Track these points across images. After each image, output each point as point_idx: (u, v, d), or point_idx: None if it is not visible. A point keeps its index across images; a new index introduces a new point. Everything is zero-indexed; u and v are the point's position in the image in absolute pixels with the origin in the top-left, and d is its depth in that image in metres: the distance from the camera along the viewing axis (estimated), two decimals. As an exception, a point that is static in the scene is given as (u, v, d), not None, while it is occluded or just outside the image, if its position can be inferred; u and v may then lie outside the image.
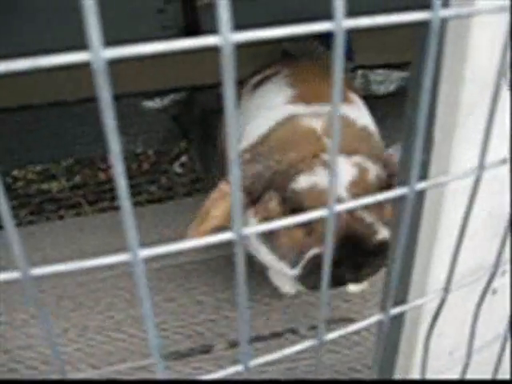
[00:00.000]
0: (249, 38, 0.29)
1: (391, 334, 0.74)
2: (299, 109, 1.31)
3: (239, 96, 1.64)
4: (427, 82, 0.38)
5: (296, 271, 1.17)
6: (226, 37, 0.28)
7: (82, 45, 0.30)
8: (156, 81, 2.21)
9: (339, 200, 1.09)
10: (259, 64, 1.70)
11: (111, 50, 0.28)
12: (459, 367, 0.74)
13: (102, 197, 2.06)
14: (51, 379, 1.39)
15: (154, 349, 0.40)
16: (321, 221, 1.09)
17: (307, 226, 1.12)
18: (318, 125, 1.22)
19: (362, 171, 1.15)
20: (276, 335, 1.47)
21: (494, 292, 0.70)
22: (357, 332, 1.44)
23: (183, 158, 2.23)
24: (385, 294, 0.52)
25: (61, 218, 1.97)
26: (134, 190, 2.09)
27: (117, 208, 1.99)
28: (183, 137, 2.28)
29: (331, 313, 1.52)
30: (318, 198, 1.11)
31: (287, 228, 1.13)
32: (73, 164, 2.22)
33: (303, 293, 1.57)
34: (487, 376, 0.77)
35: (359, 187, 1.13)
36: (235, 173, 0.32)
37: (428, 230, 0.61)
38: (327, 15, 0.33)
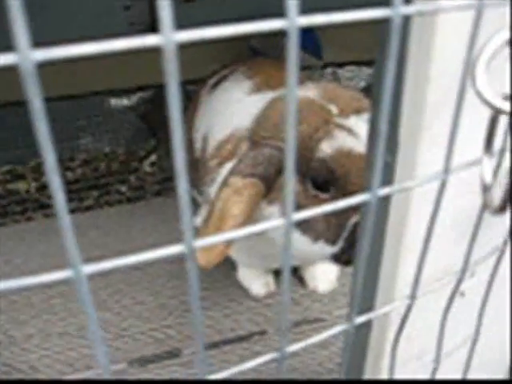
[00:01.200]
0: (192, 37, 0.27)
1: (359, 339, 0.72)
2: (269, 94, 1.29)
3: (198, 97, 1.62)
4: (388, 82, 0.36)
5: (336, 247, 1.11)
6: (168, 36, 0.26)
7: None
8: (123, 79, 2.17)
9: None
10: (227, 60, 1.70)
11: (40, 51, 0.25)
12: (428, 371, 0.73)
13: (70, 197, 2.00)
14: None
15: (104, 367, 0.38)
16: (356, 188, 1.05)
17: (340, 195, 1.06)
18: (311, 94, 1.16)
19: None
20: (244, 337, 1.44)
21: (462, 294, 0.69)
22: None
23: (153, 157, 2.20)
24: (350, 303, 0.51)
25: (29, 219, 1.92)
26: (104, 190, 2.05)
27: (86, 208, 1.95)
28: (152, 135, 2.25)
29: (302, 314, 1.50)
30: (348, 160, 1.06)
31: (319, 204, 1.05)
32: (40, 164, 2.16)
33: (274, 294, 1.56)
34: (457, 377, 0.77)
35: None
36: (182, 184, 0.29)
37: (394, 234, 0.59)
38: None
